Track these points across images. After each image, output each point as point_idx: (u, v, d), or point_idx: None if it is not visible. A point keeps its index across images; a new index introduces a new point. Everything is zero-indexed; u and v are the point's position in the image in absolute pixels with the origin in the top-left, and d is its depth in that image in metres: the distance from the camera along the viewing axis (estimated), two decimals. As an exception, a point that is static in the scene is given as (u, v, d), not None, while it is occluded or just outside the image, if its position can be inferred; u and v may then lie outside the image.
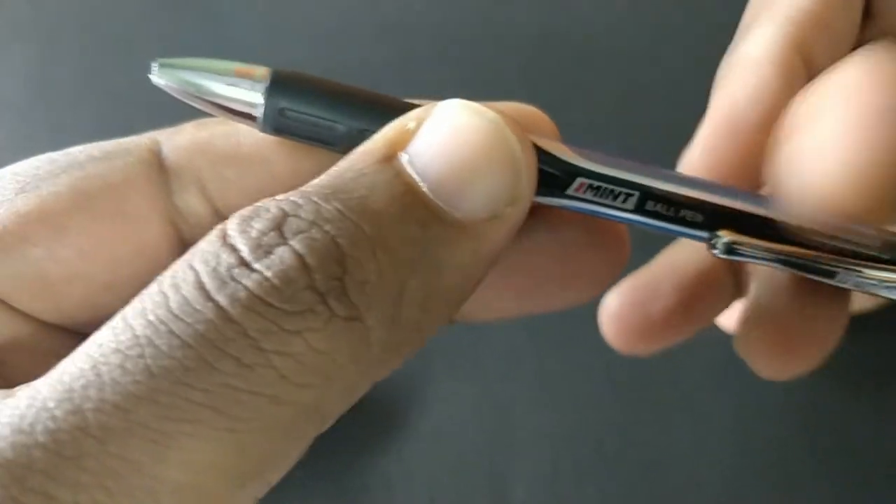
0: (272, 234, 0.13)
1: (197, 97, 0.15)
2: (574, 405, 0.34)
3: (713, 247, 0.17)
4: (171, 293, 0.12)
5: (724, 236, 0.17)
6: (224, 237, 0.13)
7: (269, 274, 0.12)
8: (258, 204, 0.14)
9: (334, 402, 0.14)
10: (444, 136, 0.15)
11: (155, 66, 0.15)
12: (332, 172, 0.14)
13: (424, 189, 0.14)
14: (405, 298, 0.14)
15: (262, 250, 0.13)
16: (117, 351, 0.12)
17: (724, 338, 0.34)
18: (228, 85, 0.15)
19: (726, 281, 0.24)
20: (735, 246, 0.17)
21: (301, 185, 0.14)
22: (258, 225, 0.13)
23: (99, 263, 0.16)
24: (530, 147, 0.15)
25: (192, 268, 0.13)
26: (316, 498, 0.32)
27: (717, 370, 0.34)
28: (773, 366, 0.20)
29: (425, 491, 0.32)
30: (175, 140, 0.16)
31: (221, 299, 0.12)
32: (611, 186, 0.16)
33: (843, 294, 0.20)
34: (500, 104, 0.17)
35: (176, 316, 0.12)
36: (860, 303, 0.23)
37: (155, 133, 0.17)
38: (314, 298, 0.13)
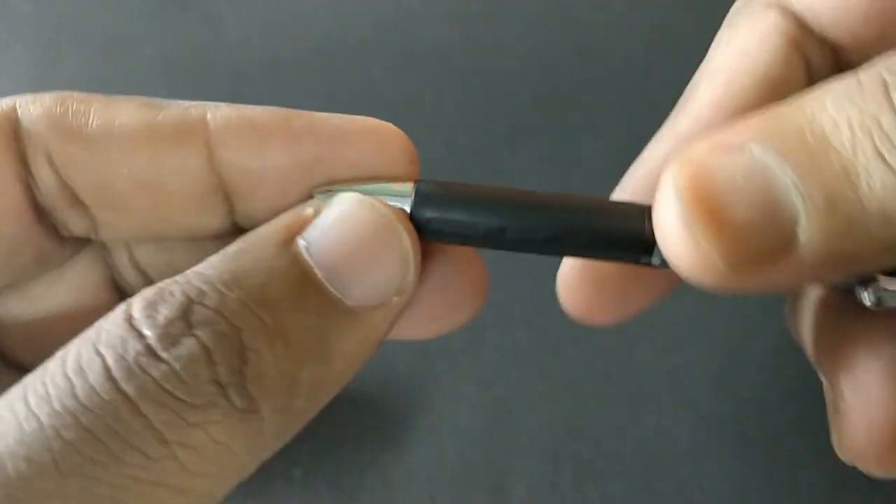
0: (179, 322, 0.13)
1: None
2: (574, 405, 0.34)
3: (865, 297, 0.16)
4: (76, 380, 0.12)
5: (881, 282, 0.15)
6: (130, 320, 0.13)
7: (176, 366, 0.13)
8: (162, 286, 0.14)
9: (226, 487, 0.14)
10: (341, 227, 0.15)
11: (315, 195, 0.17)
12: (229, 254, 0.15)
13: (320, 276, 0.15)
14: (297, 389, 0.14)
15: (170, 340, 0.13)
16: (22, 442, 0.12)
17: (724, 337, 0.34)
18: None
19: None
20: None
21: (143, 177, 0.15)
22: (165, 311, 0.13)
23: None
24: (417, 241, 0.16)
25: (98, 353, 0.13)
26: (315, 497, 0.32)
27: (717, 370, 0.34)
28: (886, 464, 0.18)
29: (425, 491, 0.32)
30: (31, 108, 0.16)
31: (130, 391, 0.12)
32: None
33: None
34: (356, 119, 0.17)
35: (84, 406, 0.12)
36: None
37: (13, 98, 0.16)
38: (216, 391, 0.13)
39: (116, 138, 0.16)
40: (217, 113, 0.16)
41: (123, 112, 0.16)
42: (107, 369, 0.12)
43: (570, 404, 0.34)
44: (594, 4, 0.42)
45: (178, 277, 0.14)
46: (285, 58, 0.42)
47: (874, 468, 0.18)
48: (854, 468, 0.32)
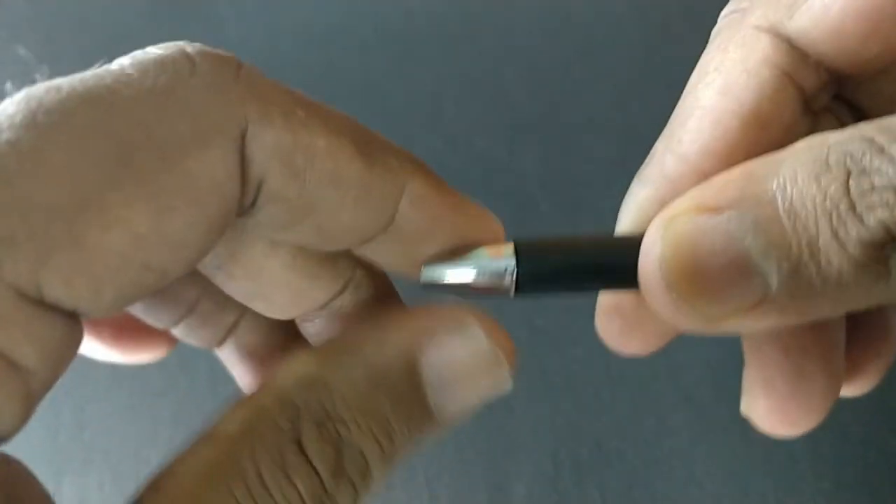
0: (339, 463, 0.16)
1: (460, 290, 0.18)
2: (574, 404, 0.34)
3: None
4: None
5: None
6: (305, 451, 0.16)
7: None
8: (318, 419, 0.16)
9: None
10: (466, 364, 0.18)
11: (424, 269, 0.18)
12: (362, 379, 0.17)
13: (430, 401, 0.17)
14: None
15: (338, 484, 0.16)
16: None
17: (724, 337, 0.34)
18: (483, 270, 0.18)
19: None
20: None
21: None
22: (329, 452, 0.16)
23: (157, 248, 0.15)
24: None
25: (291, 482, 0.16)
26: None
27: (717, 370, 0.34)
28: (776, 427, 0.22)
29: (425, 490, 0.32)
30: (262, 131, 0.16)
31: None
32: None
33: (835, 356, 0.21)
34: (462, 206, 0.19)
35: None
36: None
37: (244, 105, 0.16)
38: None
39: (335, 195, 0.17)
40: (414, 181, 0.18)
41: (345, 163, 0.17)
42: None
43: (570, 404, 0.34)
44: (594, 4, 0.42)
45: (326, 402, 0.16)
46: (285, 58, 0.42)
47: (770, 429, 0.22)
48: (855, 470, 0.32)
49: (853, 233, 0.15)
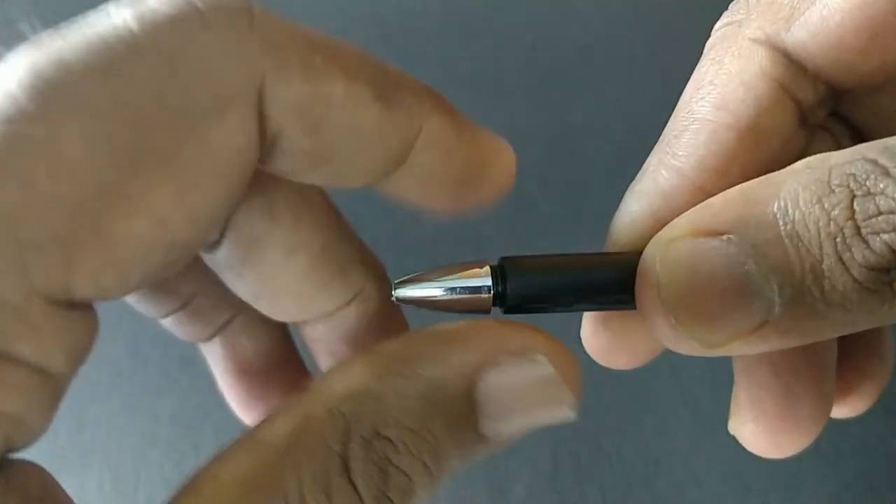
0: (383, 483, 0.15)
1: (434, 305, 0.18)
2: (574, 405, 0.34)
3: None
4: None
5: None
6: (349, 473, 0.15)
7: None
8: (368, 438, 0.15)
9: None
10: (524, 391, 0.17)
11: (395, 290, 0.18)
12: (421, 395, 0.16)
13: (482, 426, 0.16)
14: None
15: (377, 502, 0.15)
16: None
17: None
18: (459, 287, 0.18)
19: None
20: None
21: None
22: (374, 476, 0.15)
23: (182, 226, 0.15)
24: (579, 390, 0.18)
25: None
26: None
27: (717, 370, 0.34)
28: (763, 449, 0.21)
29: (425, 490, 0.32)
30: (279, 87, 0.15)
31: None
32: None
33: (826, 379, 0.21)
34: (476, 141, 0.19)
35: None
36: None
37: (261, 60, 0.15)
38: None
39: (352, 142, 0.16)
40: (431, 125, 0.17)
41: (363, 110, 0.16)
42: None
43: (570, 404, 0.34)
44: (594, 4, 0.42)
45: (377, 418, 0.15)
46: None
47: (757, 451, 0.21)
48: (856, 470, 0.32)
49: (858, 256, 0.14)
